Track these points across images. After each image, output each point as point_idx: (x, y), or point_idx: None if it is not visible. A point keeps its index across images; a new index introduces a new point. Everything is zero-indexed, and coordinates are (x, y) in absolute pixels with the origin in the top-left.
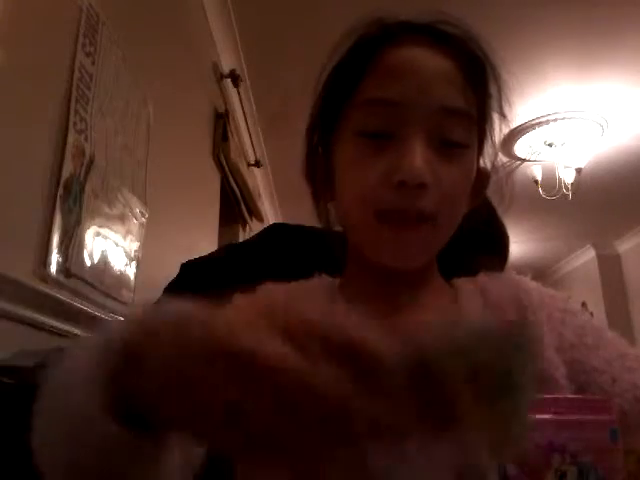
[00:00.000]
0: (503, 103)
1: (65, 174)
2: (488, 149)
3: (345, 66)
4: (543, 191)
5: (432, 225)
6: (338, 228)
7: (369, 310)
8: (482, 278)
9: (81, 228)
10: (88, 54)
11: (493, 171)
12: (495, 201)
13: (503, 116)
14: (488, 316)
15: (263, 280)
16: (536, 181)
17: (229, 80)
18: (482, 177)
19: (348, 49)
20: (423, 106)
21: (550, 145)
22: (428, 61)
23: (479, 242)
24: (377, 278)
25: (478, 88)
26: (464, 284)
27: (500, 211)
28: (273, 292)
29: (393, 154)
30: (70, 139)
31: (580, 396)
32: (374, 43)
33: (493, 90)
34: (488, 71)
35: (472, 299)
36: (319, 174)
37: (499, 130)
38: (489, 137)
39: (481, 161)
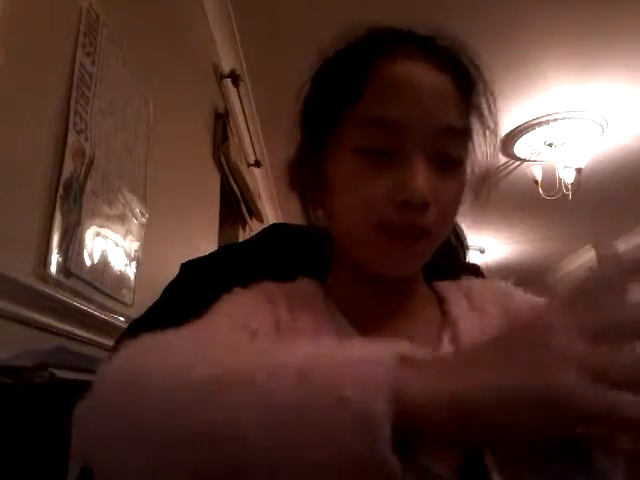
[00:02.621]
0: (491, 118)
1: (65, 174)
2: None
3: (337, 78)
4: (543, 191)
5: (428, 239)
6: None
7: (359, 315)
8: (465, 282)
9: (81, 228)
10: (88, 54)
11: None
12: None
13: (491, 130)
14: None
15: (263, 280)
16: (536, 181)
17: (229, 80)
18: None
19: (339, 60)
20: (425, 126)
21: (550, 145)
22: (425, 77)
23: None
24: (365, 284)
25: (469, 101)
26: (447, 288)
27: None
28: (270, 286)
29: (395, 172)
30: (70, 139)
31: None
32: (366, 55)
33: (482, 103)
34: (479, 84)
35: (459, 304)
36: (310, 182)
37: (496, 147)
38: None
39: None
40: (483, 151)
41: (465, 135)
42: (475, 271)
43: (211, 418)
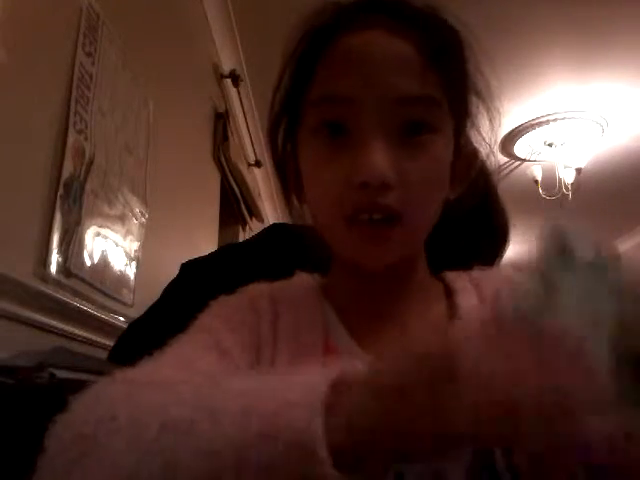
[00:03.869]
0: (476, 80)
1: (65, 174)
2: (473, 130)
3: (296, 61)
4: (543, 191)
5: (400, 224)
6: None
7: (355, 311)
8: (476, 274)
9: (81, 228)
10: (88, 54)
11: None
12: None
13: (478, 94)
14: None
15: (263, 280)
16: (536, 181)
17: (229, 80)
18: (468, 156)
19: (301, 38)
20: (376, 98)
21: (550, 145)
22: (381, 47)
23: (477, 226)
24: (358, 277)
25: (444, 68)
26: (457, 279)
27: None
28: (256, 292)
29: (351, 154)
30: (70, 139)
31: None
32: (327, 31)
33: (468, 67)
34: (456, 48)
35: (467, 296)
36: (289, 173)
37: (493, 112)
38: (468, 116)
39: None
40: (478, 121)
41: (431, 104)
42: (500, 247)
43: (155, 465)
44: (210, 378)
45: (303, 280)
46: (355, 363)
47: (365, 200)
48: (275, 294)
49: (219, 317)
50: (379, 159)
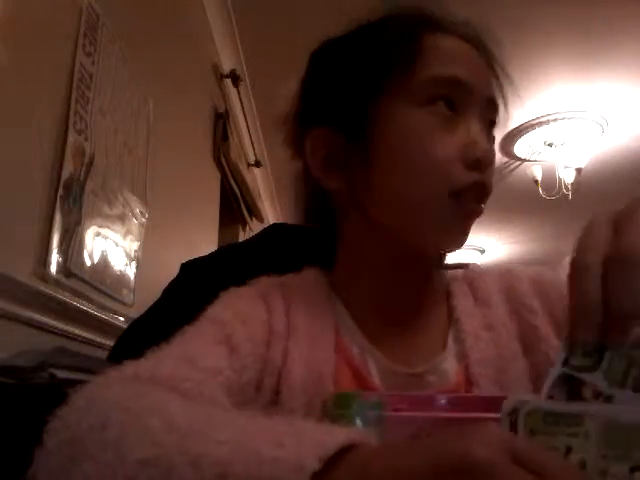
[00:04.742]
0: (505, 108)
1: (65, 174)
2: None
3: (388, 41)
4: (543, 191)
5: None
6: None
7: (366, 309)
8: (470, 273)
9: (81, 228)
10: (88, 54)
11: None
12: None
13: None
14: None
15: (262, 276)
16: (536, 181)
17: (229, 80)
18: None
19: (384, 26)
20: (483, 89)
21: (550, 145)
22: (474, 51)
23: None
24: (386, 273)
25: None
26: (454, 280)
27: None
28: (267, 284)
29: (463, 132)
30: (70, 139)
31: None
32: (416, 23)
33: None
34: (501, 77)
35: (464, 299)
36: (337, 155)
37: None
38: None
39: None
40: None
41: (498, 112)
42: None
43: None
44: (206, 405)
45: (312, 275)
46: (352, 432)
47: (476, 177)
48: (286, 287)
49: (229, 309)
50: (486, 141)
